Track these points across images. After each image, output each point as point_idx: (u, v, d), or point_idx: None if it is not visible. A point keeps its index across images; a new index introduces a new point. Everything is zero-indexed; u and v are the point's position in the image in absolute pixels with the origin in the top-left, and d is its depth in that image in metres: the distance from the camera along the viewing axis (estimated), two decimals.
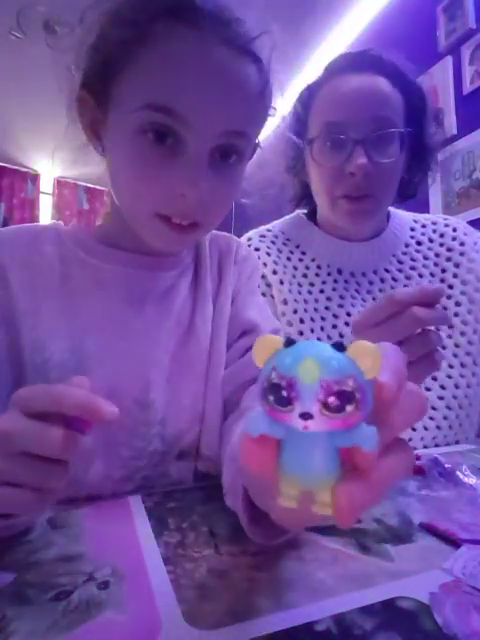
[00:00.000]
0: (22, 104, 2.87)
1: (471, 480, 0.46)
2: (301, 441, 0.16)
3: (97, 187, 4.17)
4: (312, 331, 0.67)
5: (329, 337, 0.68)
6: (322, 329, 0.68)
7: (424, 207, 1.61)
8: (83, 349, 0.42)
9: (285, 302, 0.69)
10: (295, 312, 0.68)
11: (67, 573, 0.27)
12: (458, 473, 0.47)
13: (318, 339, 0.66)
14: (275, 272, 0.71)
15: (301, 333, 0.67)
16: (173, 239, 0.42)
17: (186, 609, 0.24)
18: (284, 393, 0.15)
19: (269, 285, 0.71)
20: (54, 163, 3.75)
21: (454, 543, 0.32)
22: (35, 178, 4.01)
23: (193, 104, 0.35)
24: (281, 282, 0.70)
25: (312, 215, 0.78)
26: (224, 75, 0.36)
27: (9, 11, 2.10)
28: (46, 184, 4.08)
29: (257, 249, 0.73)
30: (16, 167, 3.89)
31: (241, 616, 0.24)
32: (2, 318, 0.41)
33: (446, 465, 0.48)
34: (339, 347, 0.15)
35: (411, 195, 0.76)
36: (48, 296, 0.42)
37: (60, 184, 4.10)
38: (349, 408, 0.15)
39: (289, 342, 0.16)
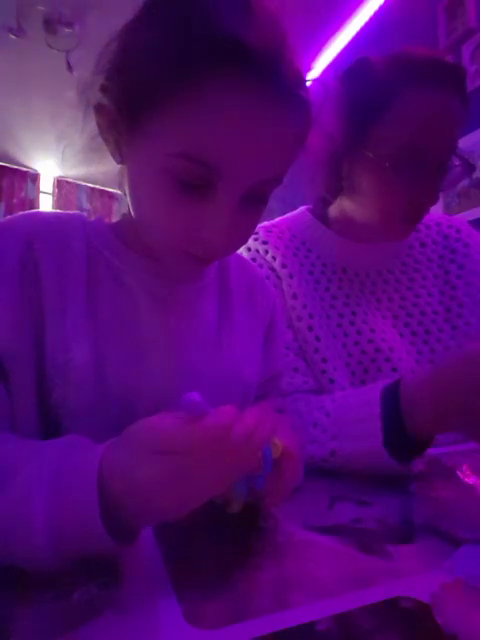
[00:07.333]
0: (22, 104, 2.87)
1: (471, 480, 0.46)
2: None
3: (97, 187, 4.17)
4: (320, 327, 0.66)
5: (334, 336, 0.67)
6: (328, 327, 0.67)
7: None
8: (103, 354, 0.41)
9: (295, 296, 0.68)
10: (305, 307, 0.68)
11: (67, 573, 0.27)
12: (458, 473, 0.47)
13: (320, 337, 0.66)
14: (284, 266, 0.71)
15: (311, 328, 0.66)
16: (193, 268, 0.42)
17: (186, 609, 0.24)
18: None
19: (280, 278, 0.71)
20: (56, 163, 3.75)
21: (454, 543, 0.32)
22: (35, 177, 4.01)
23: (233, 159, 0.34)
24: (291, 276, 0.70)
25: (317, 211, 0.78)
26: (268, 131, 0.34)
27: (9, 11, 2.10)
28: (46, 184, 4.07)
29: (265, 242, 0.73)
30: (16, 166, 3.89)
31: (241, 616, 0.24)
32: (30, 314, 0.39)
33: (446, 465, 0.48)
34: None
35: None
36: (75, 296, 0.41)
37: (60, 184, 4.10)
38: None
39: None
